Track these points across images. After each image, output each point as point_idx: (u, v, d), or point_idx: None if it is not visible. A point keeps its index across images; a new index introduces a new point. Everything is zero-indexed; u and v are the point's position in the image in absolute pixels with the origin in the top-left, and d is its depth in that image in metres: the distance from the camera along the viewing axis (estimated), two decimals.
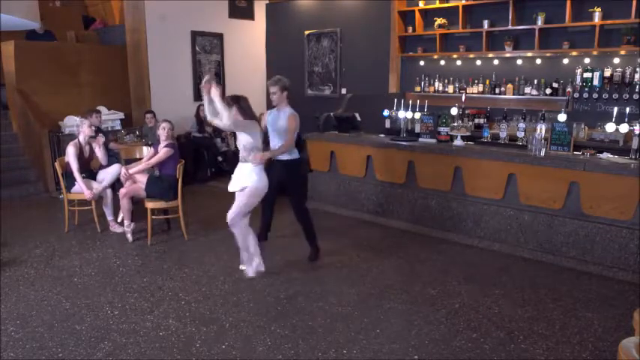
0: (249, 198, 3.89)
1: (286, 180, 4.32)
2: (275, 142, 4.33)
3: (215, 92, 3.70)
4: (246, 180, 3.87)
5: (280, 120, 4.32)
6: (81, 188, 5.13)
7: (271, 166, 4.29)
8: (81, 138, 5.28)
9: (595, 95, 5.74)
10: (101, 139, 5.41)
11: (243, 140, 3.87)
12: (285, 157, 4.28)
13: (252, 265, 4.03)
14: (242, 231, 3.96)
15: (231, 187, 3.96)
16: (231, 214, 3.90)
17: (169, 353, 3.03)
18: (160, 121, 5.18)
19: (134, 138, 7.23)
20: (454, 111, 5.84)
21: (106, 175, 5.31)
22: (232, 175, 3.98)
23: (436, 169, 5.15)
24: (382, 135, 6.10)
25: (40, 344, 3.12)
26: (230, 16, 8.87)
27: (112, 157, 6.27)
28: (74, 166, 5.10)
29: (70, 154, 5.10)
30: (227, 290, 3.90)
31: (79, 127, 5.37)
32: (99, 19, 10.62)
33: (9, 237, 5.09)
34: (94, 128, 5.35)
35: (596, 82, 5.69)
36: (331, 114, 6.50)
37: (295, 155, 4.35)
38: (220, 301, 3.71)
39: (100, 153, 5.38)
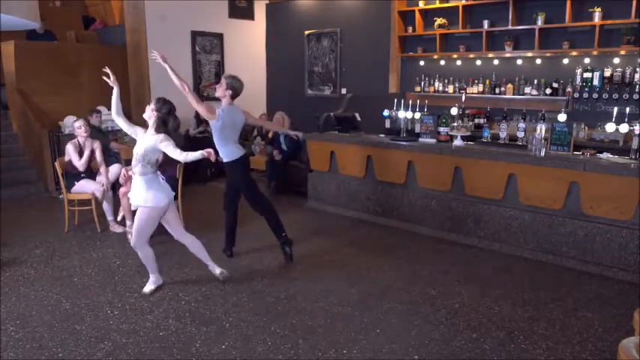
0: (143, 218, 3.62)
1: (233, 180, 4.35)
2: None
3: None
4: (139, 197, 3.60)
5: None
6: (90, 186, 5.13)
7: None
8: (79, 138, 5.28)
9: (595, 95, 5.74)
10: (95, 143, 5.36)
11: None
12: (225, 158, 4.23)
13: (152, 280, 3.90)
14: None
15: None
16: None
17: (169, 353, 3.03)
18: None
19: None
20: (454, 111, 5.84)
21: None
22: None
23: (436, 169, 5.15)
24: (382, 135, 6.10)
25: (40, 344, 3.12)
26: (230, 16, 8.87)
27: (112, 157, 6.28)
28: (75, 159, 5.10)
29: (71, 152, 5.11)
30: (227, 290, 3.90)
31: (72, 128, 5.33)
32: (99, 19, 10.62)
33: (9, 237, 5.09)
34: (87, 129, 5.28)
35: (596, 82, 5.69)
36: (331, 114, 6.50)
37: (235, 156, 4.25)
38: (220, 301, 3.71)
39: (98, 156, 5.34)
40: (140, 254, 3.78)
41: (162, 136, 3.56)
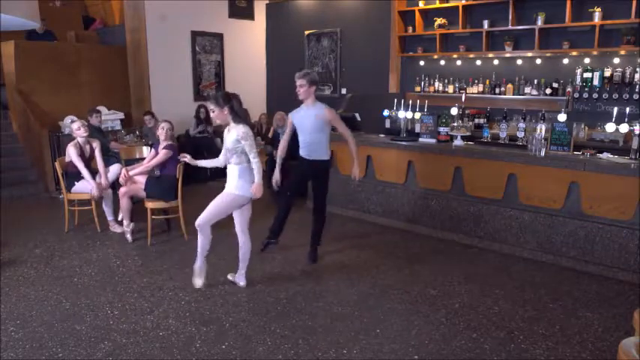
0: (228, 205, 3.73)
1: (316, 178, 4.35)
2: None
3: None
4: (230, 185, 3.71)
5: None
6: (90, 185, 5.11)
7: (300, 166, 4.33)
8: (79, 139, 5.27)
9: (595, 95, 5.74)
10: (94, 143, 5.35)
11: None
12: (318, 156, 4.26)
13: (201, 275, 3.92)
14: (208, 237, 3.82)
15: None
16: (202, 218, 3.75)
17: (169, 353, 3.03)
18: (160, 122, 5.18)
19: (134, 138, 7.22)
20: (454, 111, 5.84)
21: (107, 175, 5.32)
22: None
23: (436, 169, 5.15)
24: (382, 135, 6.10)
25: (40, 344, 3.12)
26: (230, 16, 8.87)
27: (112, 157, 6.28)
28: (80, 165, 5.09)
29: (73, 155, 5.09)
30: (227, 290, 3.90)
31: (71, 130, 5.31)
32: (99, 19, 10.63)
33: (9, 237, 5.09)
34: (86, 129, 5.26)
35: (596, 82, 5.69)
36: None
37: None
38: (220, 301, 3.71)
39: (98, 157, 5.33)
40: (201, 235, 3.77)
41: (242, 130, 3.59)
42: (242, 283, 3.96)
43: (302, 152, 4.28)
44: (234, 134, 3.61)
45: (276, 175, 4.42)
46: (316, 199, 4.39)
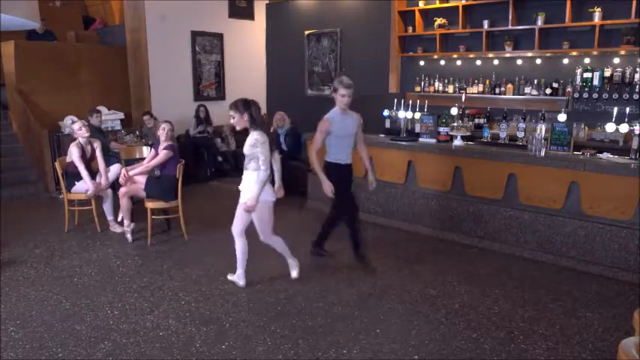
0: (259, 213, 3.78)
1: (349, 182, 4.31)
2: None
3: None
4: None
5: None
6: (87, 185, 5.12)
7: (340, 171, 4.20)
8: (80, 139, 5.27)
9: (595, 95, 5.74)
10: (95, 143, 5.35)
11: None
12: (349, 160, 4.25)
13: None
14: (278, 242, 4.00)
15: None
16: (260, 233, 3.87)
17: (169, 353, 3.03)
18: (161, 122, 5.18)
19: (134, 138, 7.23)
20: (454, 111, 5.83)
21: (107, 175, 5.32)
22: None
23: (436, 169, 5.15)
24: (382, 135, 6.10)
25: (40, 344, 3.12)
26: (230, 16, 8.87)
27: (112, 157, 6.28)
28: (81, 167, 5.09)
29: (75, 155, 5.09)
30: (227, 290, 3.91)
31: (72, 130, 5.30)
32: (99, 19, 10.63)
33: (9, 237, 5.09)
34: (87, 129, 5.26)
35: (596, 82, 5.68)
36: None
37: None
38: (220, 301, 3.71)
39: (98, 157, 5.33)
40: (276, 244, 3.95)
41: (254, 137, 3.66)
42: (241, 282, 3.97)
43: (341, 157, 4.18)
44: (249, 139, 3.70)
45: (328, 183, 4.11)
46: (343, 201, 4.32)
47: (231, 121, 3.77)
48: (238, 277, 3.97)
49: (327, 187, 4.08)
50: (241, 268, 3.95)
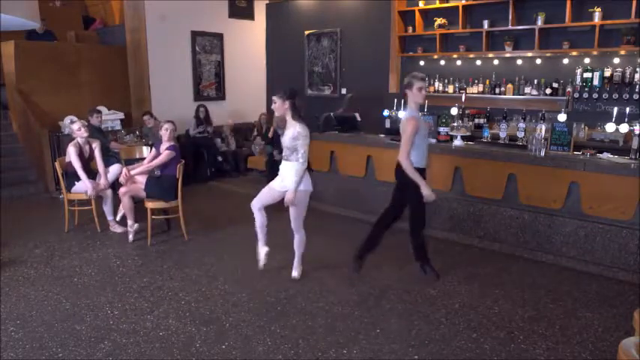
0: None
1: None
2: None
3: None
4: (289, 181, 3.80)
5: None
6: (85, 185, 5.11)
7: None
8: (79, 139, 5.27)
9: (595, 95, 5.74)
10: (94, 143, 5.35)
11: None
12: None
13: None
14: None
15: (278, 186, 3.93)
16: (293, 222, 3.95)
17: (169, 353, 3.03)
18: (163, 122, 5.17)
19: (134, 138, 7.23)
20: (454, 111, 5.84)
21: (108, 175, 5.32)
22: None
23: (436, 169, 5.14)
24: (382, 135, 6.10)
25: (40, 344, 3.12)
26: (230, 16, 8.86)
27: (112, 157, 6.28)
28: (77, 165, 5.09)
29: (72, 154, 5.09)
30: (227, 290, 3.91)
31: (71, 130, 5.30)
32: (99, 19, 10.63)
33: (9, 237, 5.08)
34: (86, 129, 5.26)
35: (596, 82, 5.68)
36: (331, 114, 6.49)
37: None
38: (220, 301, 3.71)
39: (98, 157, 5.33)
40: (299, 237, 4.03)
41: (297, 129, 3.75)
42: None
43: (423, 161, 3.88)
44: (291, 131, 3.78)
45: (429, 188, 3.80)
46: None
47: (272, 106, 3.91)
48: (261, 249, 4.10)
49: (429, 192, 3.71)
50: (261, 241, 4.08)
